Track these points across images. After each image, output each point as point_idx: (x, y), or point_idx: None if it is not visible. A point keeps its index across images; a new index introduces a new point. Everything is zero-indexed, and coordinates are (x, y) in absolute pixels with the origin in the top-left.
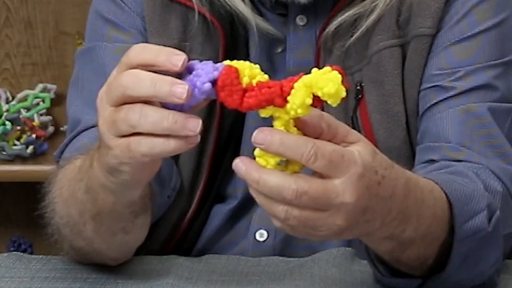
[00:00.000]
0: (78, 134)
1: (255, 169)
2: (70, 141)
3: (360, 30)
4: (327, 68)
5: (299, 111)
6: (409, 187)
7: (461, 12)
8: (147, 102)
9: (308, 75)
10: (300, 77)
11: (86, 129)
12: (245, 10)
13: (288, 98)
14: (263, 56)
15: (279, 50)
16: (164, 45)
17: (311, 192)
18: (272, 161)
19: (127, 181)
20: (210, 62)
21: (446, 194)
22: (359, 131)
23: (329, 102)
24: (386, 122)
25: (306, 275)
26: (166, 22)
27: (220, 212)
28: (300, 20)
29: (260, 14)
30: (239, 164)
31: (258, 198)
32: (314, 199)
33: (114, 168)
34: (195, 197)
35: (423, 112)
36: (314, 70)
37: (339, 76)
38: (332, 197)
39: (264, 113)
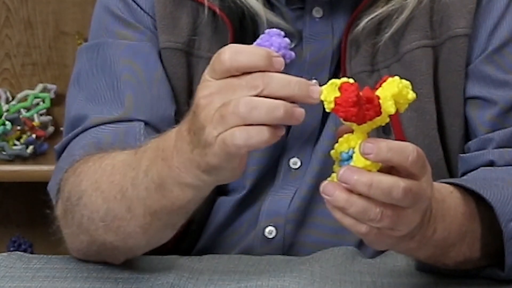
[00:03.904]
0: (85, 130)
1: (366, 173)
2: (76, 136)
3: (393, 27)
4: (396, 78)
5: (387, 120)
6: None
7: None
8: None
9: (390, 85)
10: (380, 86)
11: (95, 126)
12: (256, 5)
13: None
14: None
15: (292, 45)
16: (175, 42)
17: (414, 189)
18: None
19: (226, 178)
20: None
21: (485, 198)
22: (389, 129)
23: (403, 107)
24: (416, 121)
25: (306, 273)
26: (176, 18)
27: (225, 204)
28: (317, 13)
29: (272, 9)
30: (347, 171)
31: (353, 208)
32: (414, 195)
33: (215, 167)
34: None
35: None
36: (391, 79)
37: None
38: (422, 193)
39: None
